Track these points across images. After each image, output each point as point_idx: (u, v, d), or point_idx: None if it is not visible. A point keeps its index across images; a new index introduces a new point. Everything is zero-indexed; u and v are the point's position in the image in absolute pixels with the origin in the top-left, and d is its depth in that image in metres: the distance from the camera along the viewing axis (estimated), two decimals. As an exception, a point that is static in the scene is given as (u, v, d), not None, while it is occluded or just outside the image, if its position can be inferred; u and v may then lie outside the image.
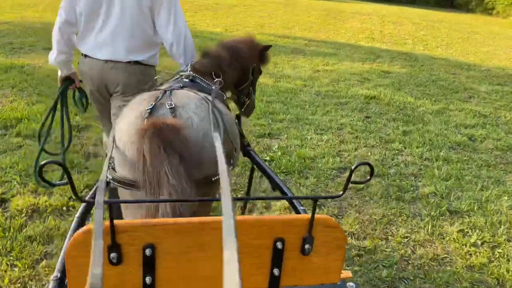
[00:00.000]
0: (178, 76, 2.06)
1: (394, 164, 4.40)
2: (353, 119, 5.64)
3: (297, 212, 1.71)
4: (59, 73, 2.57)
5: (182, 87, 1.82)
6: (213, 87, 1.95)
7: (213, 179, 1.56)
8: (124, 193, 1.57)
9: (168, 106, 1.56)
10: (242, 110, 2.60)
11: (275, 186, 1.96)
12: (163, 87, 1.84)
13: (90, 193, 1.72)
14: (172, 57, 2.44)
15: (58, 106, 2.67)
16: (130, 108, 1.65)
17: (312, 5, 22.83)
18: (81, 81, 2.60)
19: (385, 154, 4.63)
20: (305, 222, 1.20)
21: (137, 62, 2.39)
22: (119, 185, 1.53)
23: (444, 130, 5.44)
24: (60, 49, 2.42)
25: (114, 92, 2.43)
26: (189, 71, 2.06)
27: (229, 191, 0.86)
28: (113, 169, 1.55)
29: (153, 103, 1.57)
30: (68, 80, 2.60)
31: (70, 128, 2.79)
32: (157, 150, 1.35)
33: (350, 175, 1.19)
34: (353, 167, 1.18)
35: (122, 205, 1.64)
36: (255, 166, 2.22)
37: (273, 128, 5.08)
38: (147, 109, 1.55)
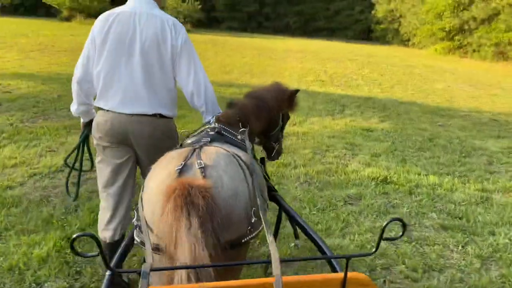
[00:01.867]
0: (204, 129, 2.04)
1: None
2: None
3: (333, 268, 1.61)
4: (82, 120, 2.61)
5: (210, 141, 1.80)
6: (239, 137, 1.99)
7: (243, 240, 1.52)
8: (155, 257, 1.50)
9: (198, 166, 1.52)
10: (272, 155, 2.66)
11: (304, 233, 1.86)
12: (189, 141, 1.93)
13: (114, 261, 1.62)
14: (193, 106, 2.44)
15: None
16: (159, 167, 1.61)
17: (240, 44, 21.12)
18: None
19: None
20: (339, 281, 1.20)
21: (161, 115, 2.35)
22: (143, 247, 1.49)
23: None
24: (80, 101, 2.44)
25: (137, 144, 2.35)
26: (214, 123, 2.05)
27: (275, 251, 1.11)
28: (139, 231, 1.54)
29: (183, 162, 1.53)
30: (90, 125, 2.53)
31: (92, 165, 2.89)
32: (178, 211, 1.32)
33: (382, 232, 1.18)
34: (384, 224, 1.17)
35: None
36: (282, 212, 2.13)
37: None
38: (177, 169, 1.50)
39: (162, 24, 2.27)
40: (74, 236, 1.03)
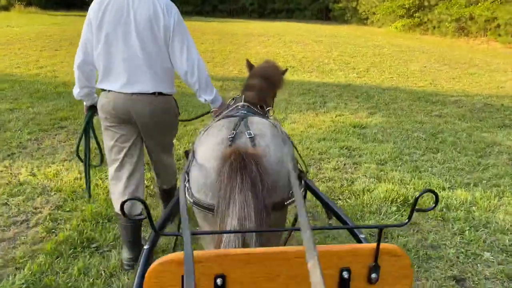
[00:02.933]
0: (234, 107, 2.18)
1: None
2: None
3: (358, 241, 1.51)
4: (85, 103, 2.69)
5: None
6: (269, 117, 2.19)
7: (286, 203, 1.64)
8: (199, 216, 1.65)
9: (248, 135, 1.64)
10: None
11: (334, 214, 1.81)
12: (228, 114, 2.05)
13: (159, 222, 1.64)
14: (187, 84, 2.51)
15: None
16: (210, 135, 1.71)
17: (196, 29, 19.55)
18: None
19: None
20: (371, 251, 1.17)
21: (160, 93, 2.43)
22: (197, 207, 1.60)
23: None
24: (81, 85, 2.51)
25: (140, 121, 2.44)
26: (242, 102, 2.20)
27: (303, 207, 1.03)
28: (189, 192, 1.64)
29: (234, 131, 1.65)
30: (92, 108, 2.69)
31: (100, 147, 3.10)
32: (234, 176, 1.39)
33: (415, 203, 1.17)
34: (417, 195, 1.16)
35: (199, 228, 1.71)
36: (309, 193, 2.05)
37: None
38: (229, 137, 1.62)
39: (154, 6, 2.32)
40: (124, 200, 1.08)
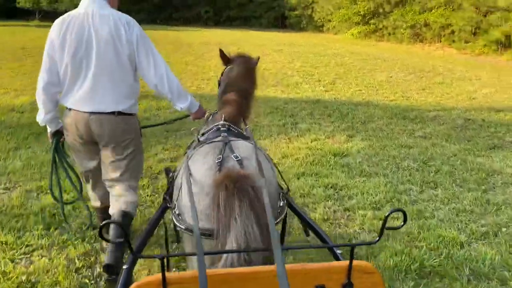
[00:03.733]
0: (214, 126, 2.13)
1: None
2: None
3: (336, 257, 1.56)
4: (49, 129, 2.59)
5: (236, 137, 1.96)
6: (245, 133, 2.17)
7: (276, 221, 1.62)
8: (192, 241, 1.59)
9: (235, 158, 1.65)
10: None
11: (314, 232, 1.85)
12: (203, 138, 2.06)
13: (137, 245, 1.64)
14: (160, 95, 2.53)
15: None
16: (196, 161, 1.72)
17: (150, 37, 18.33)
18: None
19: None
20: (344, 269, 1.20)
21: (120, 113, 2.39)
22: (190, 234, 1.58)
23: None
24: (46, 109, 2.44)
25: (100, 141, 2.43)
26: (223, 121, 2.13)
27: (278, 240, 1.15)
28: (180, 219, 1.67)
29: (220, 156, 1.66)
30: (57, 134, 2.61)
31: (76, 174, 2.83)
32: (232, 198, 1.40)
33: (385, 222, 1.22)
34: (386, 214, 1.22)
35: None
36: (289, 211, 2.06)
37: None
38: (217, 162, 1.63)
39: (115, 22, 2.31)
40: (103, 223, 1.07)
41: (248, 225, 1.36)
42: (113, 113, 2.36)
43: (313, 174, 4.33)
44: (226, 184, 1.41)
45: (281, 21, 36.33)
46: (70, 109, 2.39)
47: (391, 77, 10.93)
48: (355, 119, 6.63)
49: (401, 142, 5.46)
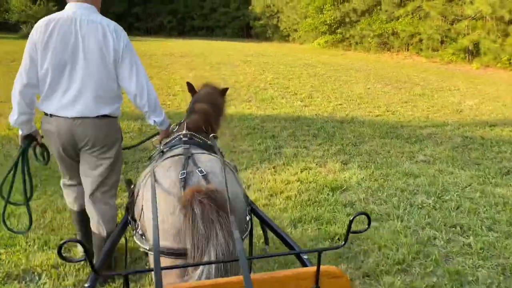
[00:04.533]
0: (176, 136, 2.11)
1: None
2: None
3: (303, 263, 1.56)
4: (20, 132, 2.47)
5: (189, 148, 1.87)
6: (209, 142, 2.08)
7: (243, 236, 1.62)
8: (165, 262, 1.49)
9: (200, 173, 1.58)
10: None
11: (281, 239, 1.81)
12: (164, 147, 2.04)
13: (98, 263, 1.55)
14: (136, 107, 2.46)
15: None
16: (158, 178, 1.61)
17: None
18: (42, 137, 2.49)
19: None
20: (312, 274, 1.21)
21: (104, 116, 2.37)
22: (164, 255, 1.50)
23: None
24: (21, 111, 2.33)
25: (83, 147, 2.39)
26: (186, 130, 2.11)
27: (242, 253, 1.12)
28: (143, 239, 1.62)
29: (184, 171, 1.57)
30: (29, 138, 2.48)
31: (31, 181, 2.66)
32: (210, 213, 1.37)
33: (350, 226, 1.21)
34: (351, 218, 1.21)
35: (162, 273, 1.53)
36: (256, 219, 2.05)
37: None
38: (181, 178, 1.55)
39: (103, 29, 2.28)
40: (61, 242, 1.03)
41: (228, 238, 1.36)
42: (97, 117, 2.33)
43: (312, 220, 3.45)
44: (199, 200, 1.39)
45: (246, 31, 35.66)
46: (51, 115, 2.33)
47: (368, 88, 10.29)
48: (344, 140, 5.83)
49: (403, 169, 4.68)
